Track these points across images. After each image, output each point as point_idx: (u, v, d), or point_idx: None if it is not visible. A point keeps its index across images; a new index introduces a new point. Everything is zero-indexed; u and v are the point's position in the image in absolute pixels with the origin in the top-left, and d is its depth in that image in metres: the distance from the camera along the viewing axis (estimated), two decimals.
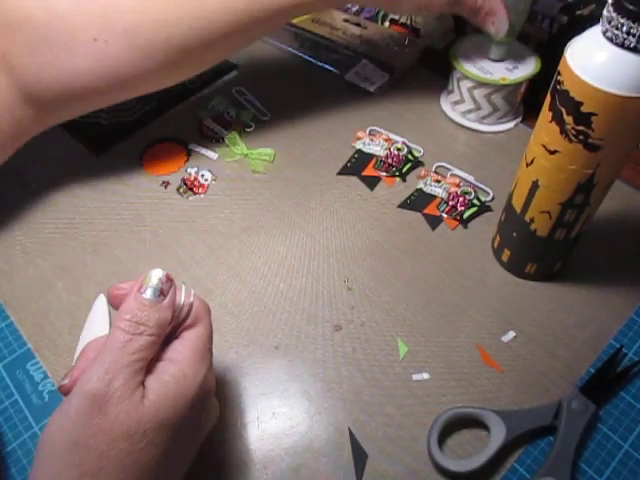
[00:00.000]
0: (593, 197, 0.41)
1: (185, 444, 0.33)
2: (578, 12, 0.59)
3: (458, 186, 0.57)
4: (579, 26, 0.37)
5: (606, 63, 0.34)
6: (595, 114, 0.35)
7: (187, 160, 0.60)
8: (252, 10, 0.49)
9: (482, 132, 0.62)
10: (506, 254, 0.50)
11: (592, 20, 0.36)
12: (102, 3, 0.46)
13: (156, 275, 0.32)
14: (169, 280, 0.33)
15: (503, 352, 0.45)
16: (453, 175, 0.58)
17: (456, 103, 0.63)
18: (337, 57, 0.70)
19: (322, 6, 0.56)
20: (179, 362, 0.32)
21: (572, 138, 0.37)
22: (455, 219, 0.54)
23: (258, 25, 0.51)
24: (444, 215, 0.55)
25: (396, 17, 0.73)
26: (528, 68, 0.60)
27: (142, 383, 0.30)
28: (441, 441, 0.41)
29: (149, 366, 0.32)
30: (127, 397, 0.29)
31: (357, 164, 0.59)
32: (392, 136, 0.62)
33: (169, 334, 0.34)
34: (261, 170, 0.59)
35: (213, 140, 0.62)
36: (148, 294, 0.32)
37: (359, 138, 0.62)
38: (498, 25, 0.55)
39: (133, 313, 0.31)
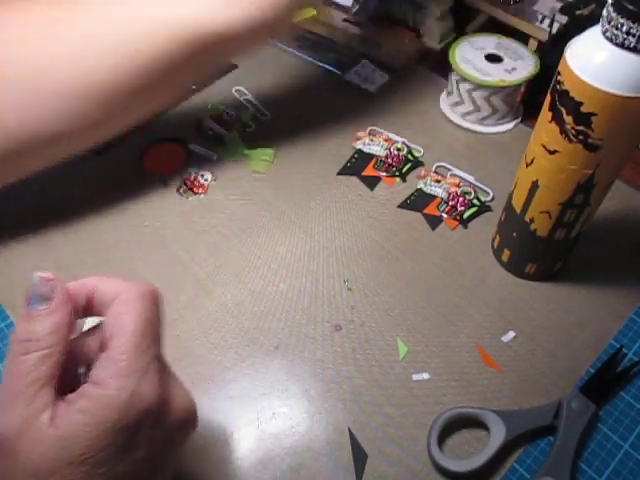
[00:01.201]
0: (593, 197, 0.41)
1: (127, 470, 0.27)
2: (578, 12, 0.59)
3: (458, 186, 0.57)
4: (579, 26, 0.37)
5: (606, 63, 0.34)
6: (595, 114, 0.35)
7: (187, 160, 0.60)
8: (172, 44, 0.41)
9: (482, 133, 0.62)
10: (506, 254, 0.50)
11: (592, 20, 0.36)
12: None
13: (34, 281, 0.28)
14: (49, 280, 0.29)
15: (503, 352, 0.45)
16: (453, 175, 0.58)
17: (456, 105, 0.63)
18: (337, 57, 0.70)
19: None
20: (98, 384, 0.27)
21: (572, 138, 0.37)
22: (455, 219, 0.54)
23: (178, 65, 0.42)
24: (444, 215, 0.55)
25: (396, 17, 0.73)
26: (527, 69, 0.60)
27: (51, 404, 0.26)
28: (441, 441, 0.41)
29: (80, 389, 0.27)
30: (28, 430, 0.25)
31: (357, 164, 0.59)
32: (392, 136, 0.62)
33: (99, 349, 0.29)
34: (261, 170, 0.59)
35: (213, 140, 0.62)
36: (31, 304, 0.28)
37: (359, 138, 0.62)
38: None
39: (19, 331, 0.28)
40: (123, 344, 0.28)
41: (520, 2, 0.68)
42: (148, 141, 0.61)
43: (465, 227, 0.54)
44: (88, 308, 0.30)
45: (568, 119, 0.37)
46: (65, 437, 0.26)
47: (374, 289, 0.49)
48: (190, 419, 0.31)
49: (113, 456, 0.27)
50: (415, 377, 0.44)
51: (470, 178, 0.57)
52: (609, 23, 0.33)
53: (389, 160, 0.59)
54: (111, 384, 0.27)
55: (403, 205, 0.56)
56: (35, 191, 0.57)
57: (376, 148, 0.60)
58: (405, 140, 0.61)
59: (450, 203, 0.55)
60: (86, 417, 0.26)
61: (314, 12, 0.76)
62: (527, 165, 0.43)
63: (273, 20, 0.43)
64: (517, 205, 0.46)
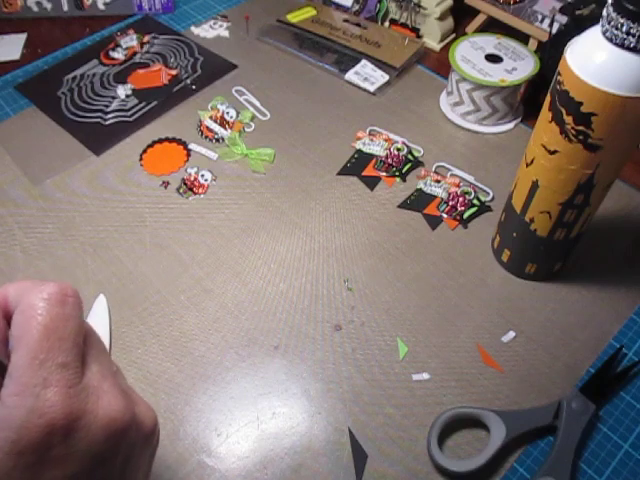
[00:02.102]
0: (593, 197, 0.41)
1: None
2: (578, 12, 0.59)
3: (458, 186, 0.57)
4: (579, 26, 0.37)
5: (606, 63, 0.34)
6: (595, 114, 0.35)
7: (187, 160, 0.60)
8: None
9: (482, 133, 0.62)
10: (506, 254, 0.50)
11: (592, 20, 0.36)
12: None
13: None
14: None
15: (503, 352, 0.45)
16: (453, 175, 0.58)
17: (456, 105, 0.63)
18: (337, 57, 0.70)
19: None
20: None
21: (572, 138, 0.37)
22: (455, 219, 0.54)
23: None
24: (444, 215, 0.55)
25: (396, 17, 0.73)
26: (527, 69, 0.60)
27: None
28: (441, 441, 0.41)
29: None
30: None
31: (357, 164, 0.59)
32: (392, 136, 0.62)
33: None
34: (261, 170, 0.59)
35: (213, 140, 0.62)
36: None
37: (359, 138, 0.62)
38: None
39: None
40: (19, 358, 0.25)
41: (520, 2, 0.68)
42: (148, 141, 0.62)
43: (465, 227, 0.54)
44: (7, 316, 0.27)
45: (568, 119, 0.37)
46: None
47: (374, 289, 0.49)
48: (124, 427, 0.27)
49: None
50: (415, 377, 0.44)
51: (470, 178, 0.57)
52: (609, 23, 0.33)
53: (389, 160, 0.59)
54: (7, 403, 0.24)
55: (403, 205, 0.56)
56: (35, 191, 0.57)
57: (376, 148, 0.60)
58: (405, 140, 0.61)
59: (450, 203, 0.55)
60: None
61: (314, 12, 0.76)
62: (527, 165, 0.43)
63: None
64: (517, 205, 0.46)
